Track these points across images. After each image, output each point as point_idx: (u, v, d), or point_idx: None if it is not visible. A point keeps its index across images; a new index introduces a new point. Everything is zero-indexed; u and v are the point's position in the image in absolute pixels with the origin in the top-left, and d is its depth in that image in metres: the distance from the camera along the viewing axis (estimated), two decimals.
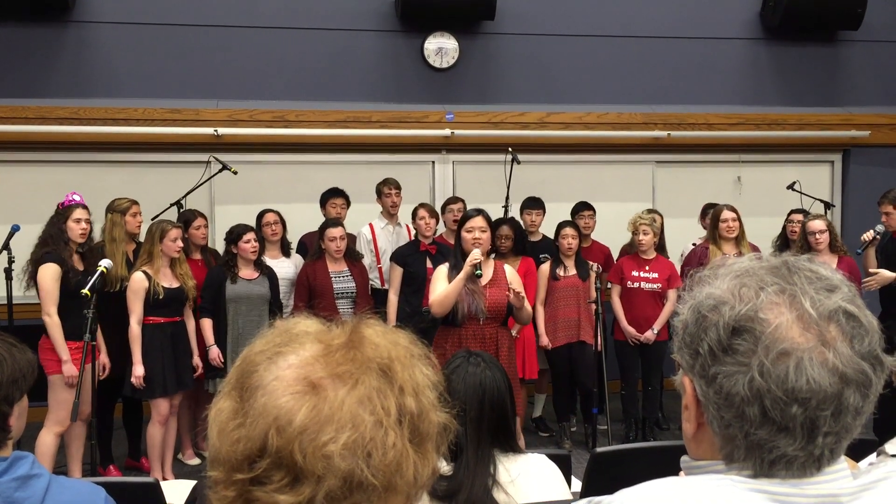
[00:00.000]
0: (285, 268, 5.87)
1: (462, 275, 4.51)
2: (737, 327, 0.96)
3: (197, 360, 5.41)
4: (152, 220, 5.58)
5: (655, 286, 5.94)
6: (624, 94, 7.66)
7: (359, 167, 7.20)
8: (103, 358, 4.94)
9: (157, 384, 5.11)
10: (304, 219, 6.49)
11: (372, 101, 7.33)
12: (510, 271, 4.81)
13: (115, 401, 5.50)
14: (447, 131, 7.27)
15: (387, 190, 6.44)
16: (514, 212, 6.60)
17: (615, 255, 6.62)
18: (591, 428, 5.82)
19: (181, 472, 5.46)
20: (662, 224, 6.36)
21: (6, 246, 5.26)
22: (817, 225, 5.69)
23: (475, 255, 4.52)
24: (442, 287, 4.57)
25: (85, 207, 5.01)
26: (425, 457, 0.92)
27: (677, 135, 7.60)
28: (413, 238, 6.32)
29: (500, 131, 7.33)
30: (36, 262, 4.82)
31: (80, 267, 4.92)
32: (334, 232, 5.70)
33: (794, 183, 7.03)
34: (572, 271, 5.96)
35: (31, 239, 5.00)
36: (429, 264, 5.87)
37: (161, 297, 5.09)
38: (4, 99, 6.77)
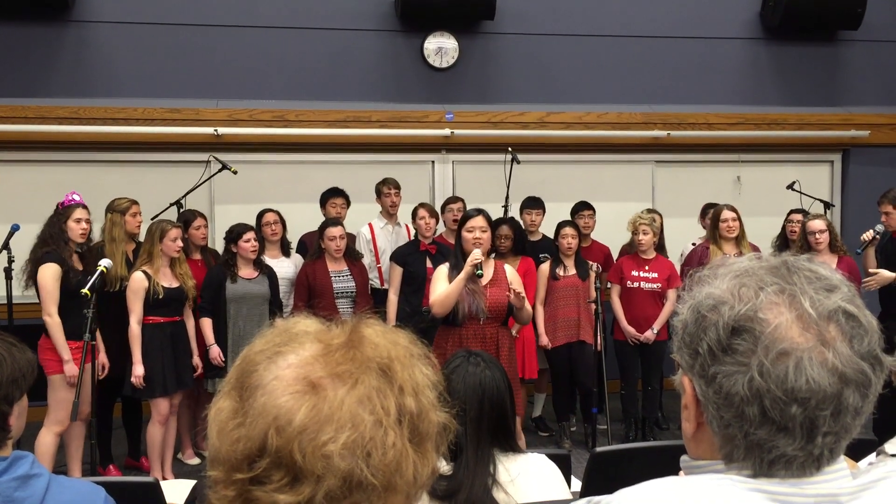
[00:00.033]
0: (285, 267, 5.87)
1: (463, 275, 4.50)
2: (736, 327, 0.96)
3: (196, 360, 5.41)
4: (152, 219, 5.58)
5: (655, 286, 5.94)
6: (624, 94, 7.66)
7: (359, 167, 7.20)
8: (102, 357, 4.94)
9: (156, 384, 5.11)
10: (303, 218, 6.49)
11: (372, 100, 7.33)
12: (511, 271, 4.81)
13: (114, 400, 5.50)
14: (447, 131, 7.27)
15: (386, 190, 6.44)
16: (514, 211, 6.60)
17: (615, 254, 6.62)
18: (591, 427, 5.82)
19: (181, 471, 5.46)
20: (662, 224, 6.36)
21: (6, 245, 5.25)
22: (817, 225, 5.69)
23: (476, 255, 4.52)
24: (442, 287, 4.57)
25: (85, 207, 5.01)
26: (425, 456, 0.92)
27: (677, 134, 7.60)
28: (413, 238, 6.33)
29: (499, 131, 7.33)
30: (36, 261, 4.82)
31: (79, 267, 4.92)
32: (334, 231, 5.70)
33: (794, 183, 7.03)
34: (572, 271, 5.96)
35: (30, 238, 5.00)
36: (429, 264, 5.87)
37: (161, 296, 5.09)
38: (4, 98, 6.77)
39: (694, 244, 6.60)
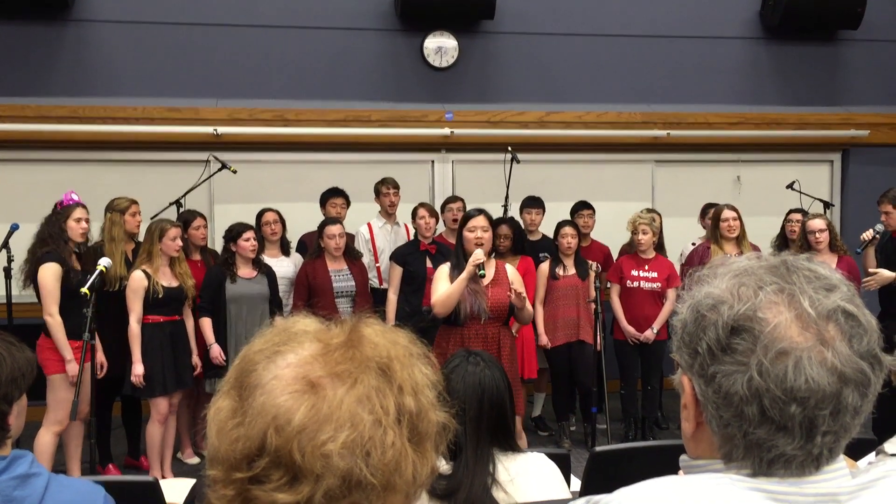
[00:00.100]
0: (285, 267, 5.87)
1: (465, 275, 4.51)
2: (735, 326, 0.96)
3: (196, 359, 5.41)
4: (151, 219, 5.58)
5: (655, 285, 5.94)
6: (623, 94, 7.66)
7: (358, 166, 7.19)
8: (100, 357, 4.93)
9: (156, 383, 5.11)
10: (303, 218, 6.49)
11: (371, 100, 7.33)
12: (512, 271, 4.81)
13: (114, 399, 5.50)
14: (447, 130, 7.27)
15: (385, 189, 6.44)
16: (514, 211, 6.60)
17: (615, 254, 6.62)
18: (591, 427, 5.82)
19: (180, 470, 5.46)
20: (661, 224, 6.36)
21: (5, 245, 5.25)
22: (817, 224, 5.69)
23: (478, 255, 4.52)
24: (444, 287, 4.57)
25: (84, 207, 5.01)
26: (424, 456, 0.92)
27: (677, 134, 7.60)
28: (412, 237, 6.33)
29: (499, 130, 7.32)
30: (36, 261, 4.82)
31: (77, 267, 4.92)
32: (333, 230, 5.70)
33: (794, 182, 7.03)
34: (572, 271, 5.96)
35: (29, 238, 4.99)
36: (428, 264, 5.88)
37: (160, 296, 5.09)
38: (4, 98, 6.77)
39: (694, 244, 6.61)
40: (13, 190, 6.73)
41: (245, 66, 7.19)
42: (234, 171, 6.31)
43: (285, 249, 6.01)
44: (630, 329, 5.94)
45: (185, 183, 6.34)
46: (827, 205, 7.16)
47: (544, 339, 5.93)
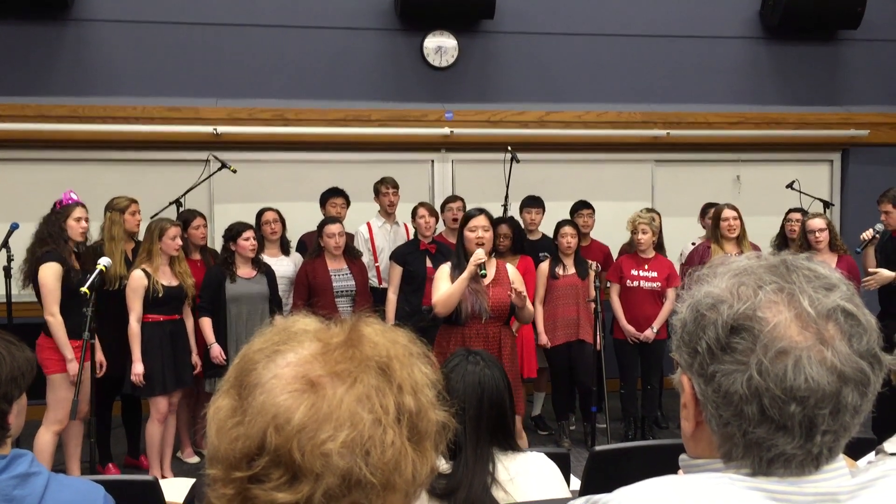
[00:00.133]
0: (285, 266, 5.87)
1: (466, 274, 4.51)
2: (735, 326, 0.96)
3: (196, 358, 5.41)
4: (151, 218, 5.57)
5: (655, 285, 5.94)
6: (623, 93, 7.66)
7: (358, 166, 7.19)
8: (99, 356, 4.93)
9: (156, 382, 5.11)
10: (303, 217, 6.49)
11: (371, 99, 7.32)
12: (512, 271, 4.82)
13: (114, 399, 5.50)
14: (446, 130, 7.26)
15: (384, 189, 6.44)
16: (514, 211, 6.60)
17: (614, 254, 6.62)
18: (590, 426, 5.82)
19: (180, 470, 5.46)
20: (660, 223, 6.36)
21: (5, 244, 5.25)
22: (817, 223, 5.70)
23: (479, 254, 4.53)
24: (445, 287, 4.57)
25: (83, 206, 5.01)
26: (424, 455, 0.92)
27: (676, 134, 7.60)
28: (412, 237, 6.33)
29: (499, 130, 7.32)
30: (36, 260, 4.81)
31: (77, 266, 4.92)
32: (333, 228, 5.70)
33: (794, 182, 7.04)
34: (571, 270, 5.96)
35: (29, 237, 4.99)
36: (428, 263, 5.88)
37: (160, 295, 5.09)
38: (4, 97, 6.77)
39: (693, 244, 6.61)
40: (13, 189, 6.73)
41: (245, 65, 7.19)
42: (234, 171, 6.32)
43: (285, 249, 6.01)
44: (630, 328, 5.94)
45: (185, 182, 6.33)
46: (827, 204, 7.16)
47: (544, 339, 5.93)
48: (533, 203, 6.49)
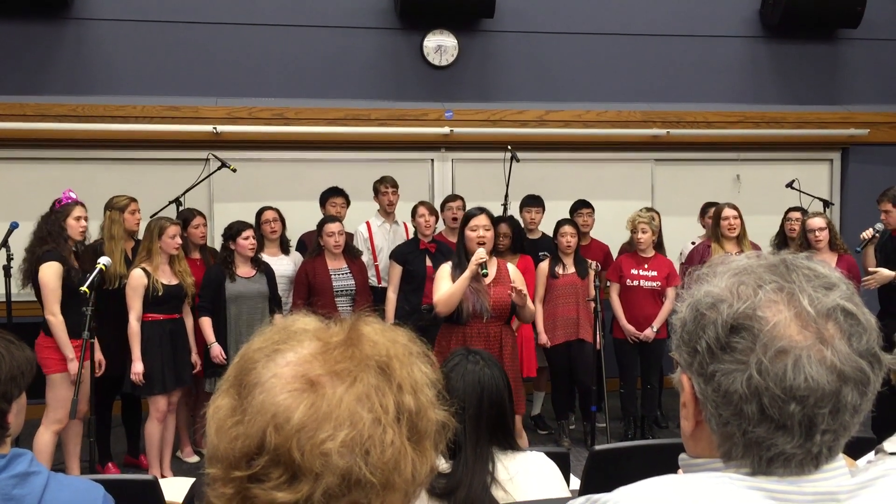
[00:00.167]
0: (284, 265, 5.87)
1: (467, 273, 4.52)
2: (735, 325, 0.96)
3: (195, 357, 5.41)
4: (151, 217, 5.57)
5: (654, 284, 5.94)
6: (623, 92, 7.66)
7: (358, 165, 7.19)
8: (98, 355, 4.93)
9: (155, 381, 5.11)
10: (303, 216, 6.49)
11: (371, 98, 7.32)
12: (513, 270, 4.82)
13: (114, 398, 5.50)
14: (446, 129, 7.26)
15: (383, 188, 6.44)
16: (514, 210, 6.60)
17: (614, 253, 6.62)
18: (590, 426, 5.82)
19: (179, 469, 5.46)
20: (660, 223, 6.37)
21: (5, 243, 5.24)
22: (817, 223, 5.70)
23: (480, 253, 4.53)
24: (446, 286, 4.58)
25: (82, 205, 5.01)
26: (423, 454, 0.92)
27: (676, 133, 7.60)
28: (412, 236, 6.33)
29: (499, 129, 7.32)
30: (37, 260, 4.81)
31: (76, 265, 4.92)
32: (332, 227, 5.70)
33: (793, 181, 7.03)
34: (571, 269, 5.96)
35: (27, 236, 4.99)
36: (428, 262, 5.88)
37: (160, 293, 5.09)
38: (3, 96, 6.76)
39: (693, 243, 6.61)
40: (13, 188, 6.73)
41: (245, 64, 7.19)
42: (234, 170, 6.31)
43: (285, 248, 6.01)
44: (630, 328, 5.95)
45: (185, 181, 6.33)
46: (826, 203, 7.16)
47: (544, 338, 5.93)
48: (533, 202, 6.49)
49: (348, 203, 6.42)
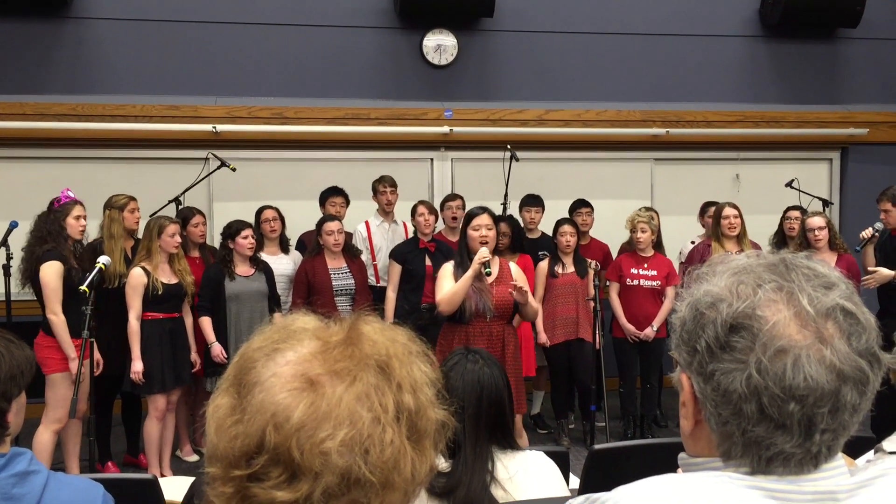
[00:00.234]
0: (284, 265, 5.88)
1: (470, 272, 4.52)
2: (734, 324, 0.96)
3: (195, 356, 5.41)
4: (150, 216, 5.57)
5: (654, 283, 5.95)
6: (623, 92, 7.66)
7: (357, 164, 7.19)
8: (96, 354, 4.92)
9: (155, 380, 5.11)
10: (302, 216, 6.49)
11: (371, 97, 7.32)
12: (515, 269, 4.83)
13: (114, 397, 5.50)
14: (446, 128, 7.26)
15: (382, 188, 6.44)
16: (513, 209, 6.60)
17: (614, 252, 6.62)
18: (590, 425, 5.82)
19: (179, 468, 5.46)
20: (659, 222, 6.37)
21: (4, 242, 5.24)
22: (816, 222, 5.70)
23: (483, 253, 4.54)
24: (449, 285, 4.58)
25: (81, 204, 5.01)
26: (423, 454, 0.92)
27: (676, 132, 7.60)
28: (411, 235, 6.33)
29: (498, 128, 7.33)
30: (37, 259, 4.80)
31: (75, 265, 4.91)
32: (331, 226, 5.70)
33: (793, 180, 7.03)
34: (570, 269, 5.96)
35: (24, 236, 4.98)
36: (427, 262, 5.89)
37: (160, 292, 5.09)
38: (3, 95, 6.76)
39: (693, 242, 6.61)
40: (12, 187, 6.73)
41: (244, 63, 7.19)
42: (234, 169, 6.31)
43: (284, 247, 6.02)
44: (630, 327, 5.95)
45: (185, 181, 6.33)
46: (826, 203, 7.15)
47: (543, 337, 5.93)
48: (532, 202, 6.49)
49: (348, 202, 6.42)
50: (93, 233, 5.41)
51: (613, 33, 7.66)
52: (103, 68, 7.02)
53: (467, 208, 5.83)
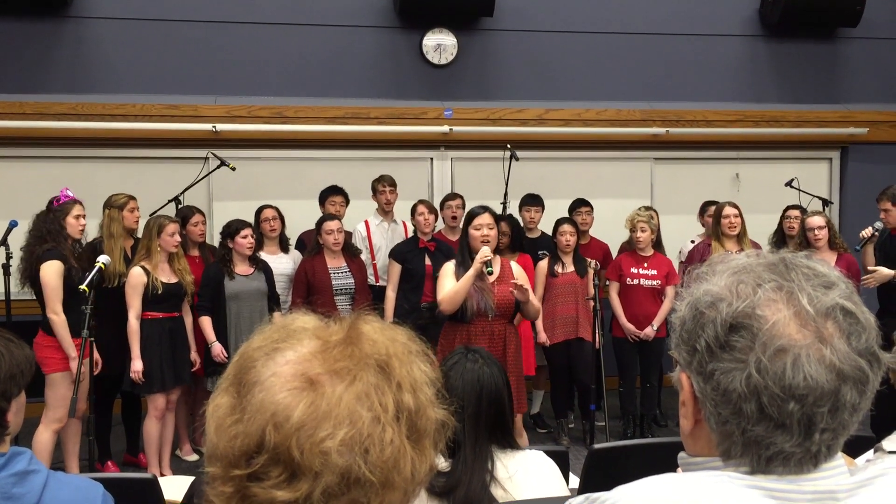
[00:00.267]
0: (284, 264, 5.88)
1: (472, 271, 4.53)
2: (734, 324, 0.96)
3: (195, 355, 5.41)
4: (150, 215, 5.57)
5: (654, 283, 5.95)
6: (622, 91, 7.66)
7: (357, 163, 7.19)
8: (95, 354, 4.92)
9: (154, 379, 5.11)
10: (302, 215, 6.48)
11: (370, 97, 7.32)
12: (517, 268, 4.84)
13: (114, 397, 5.50)
14: (445, 128, 7.26)
15: (381, 187, 6.44)
16: (513, 209, 6.60)
17: (614, 251, 6.62)
18: (589, 424, 5.82)
19: (179, 467, 5.45)
20: (658, 221, 6.37)
21: (4, 241, 5.24)
22: (816, 221, 5.71)
23: (485, 252, 4.54)
24: (450, 284, 4.59)
25: (80, 203, 5.01)
26: (423, 453, 0.92)
27: (676, 131, 7.60)
28: (410, 235, 6.33)
29: (498, 128, 7.32)
30: (38, 259, 4.79)
31: (75, 264, 4.91)
32: (331, 225, 5.70)
33: (793, 180, 7.03)
34: (570, 268, 5.96)
35: (23, 235, 4.98)
36: (427, 261, 5.89)
37: (159, 292, 5.09)
38: (2, 94, 6.76)
39: (693, 241, 6.61)
40: (12, 187, 6.73)
41: (244, 63, 7.18)
42: (233, 168, 6.31)
43: (284, 246, 6.02)
44: (630, 326, 5.95)
45: (184, 180, 6.33)
46: (826, 202, 7.16)
47: (543, 337, 5.93)
48: (532, 201, 6.49)
49: (347, 201, 6.42)
50: (92, 232, 5.40)
51: (613, 33, 7.66)
52: (103, 68, 7.01)
53: (467, 208, 5.83)
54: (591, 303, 5.69)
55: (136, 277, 5.06)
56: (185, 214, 5.78)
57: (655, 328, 5.93)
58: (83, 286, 4.43)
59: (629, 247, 6.25)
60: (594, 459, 2.82)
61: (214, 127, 6.86)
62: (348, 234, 6.05)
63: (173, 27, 7.06)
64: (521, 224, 6.34)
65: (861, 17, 7.61)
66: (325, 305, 5.25)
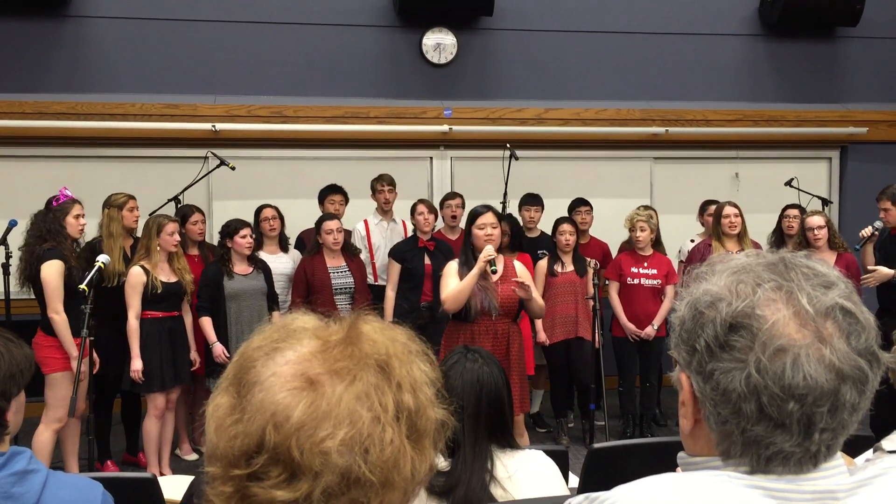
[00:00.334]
0: (283, 263, 5.88)
1: (475, 271, 4.53)
2: (734, 324, 0.96)
3: (194, 355, 5.40)
4: (150, 215, 5.57)
5: (654, 282, 5.95)
6: (622, 90, 7.66)
7: (357, 163, 7.19)
8: (93, 354, 4.92)
9: (154, 379, 5.11)
10: (302, 215, 6.49)
11: (370, 96, 7.32)
12: (520, 267, 4.84)
13: (114, 396, 5.50)
14: (445, 127, 7.26)
15: (380, 187, 6.44)
16: (513, 208, 6.60)
17: (613, 251, 6.62)
18: (589, 424, 5.82)
19: (178, 467, 5.45)
20: (658, 220, 6.37)
21: (3, 241, 5.24)
22: (816, 221, 5.71)
23: (489, 251, 4.55)
24: (454, 283, 4.59)
25: (80, 203, 5.00)
26: (423, 453, 0.92)
27: (675, 131, 7.60)
28: (410, 234, 6.32)
29: (498, 127, 7.32)
30: (38, 258, 4.79)
31: (75, 264, 4.91)
32: (331, 224, 5.70)
33: (792, 179, 7.03)
34: (570, 267, 5.96)
35: (21, 235, 4.97)
36: (427, 260, 5.89)
37: (159, 291, 5.09)
38: (2, 93, 6.76)
39: (693, 241, 6.61)
40: (11, 186, 6.73)
41: (243, 62, 7.18)
42: (233, 168, 6.31)
43: (284, 246, 6.02)
44: (630, 326, 5.95)
45: (184, 179, 6.33)
46: (825, 202, 7.15)
47: (542, 336, 5.94)
48: (532, 201, 6.49)
49: (347, 201, 6.42)
50: (91, 231, 5.40)
51: (613, 32, 7.66)
52: (102, 67, 7.01)
53: (467, 207, 5.83)
54: (591, 302, 5.69)
55: (136, 277, 5.06)
56: (185, 213, 5.78)
57: (656, 328, 5.93)
58: (82, 286, 4.43)
59: (629, 246, 6.25)
60: (594, 459, 2.82)
61: (214, 126, 6.86)
62: (348, 234, 6.05)
63: (173, 27, 7.06)
64: (521, 223, 6.34)
65: (861, 16, 7.61)
66: (324, 305, 5.25)
